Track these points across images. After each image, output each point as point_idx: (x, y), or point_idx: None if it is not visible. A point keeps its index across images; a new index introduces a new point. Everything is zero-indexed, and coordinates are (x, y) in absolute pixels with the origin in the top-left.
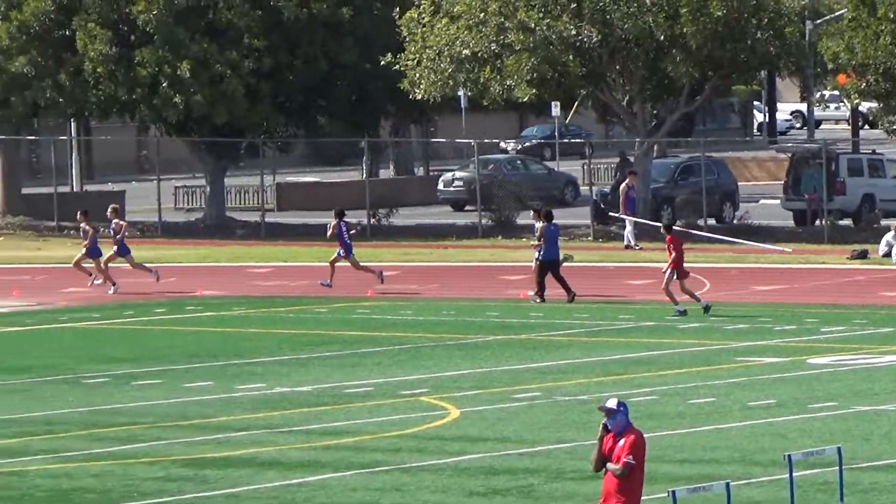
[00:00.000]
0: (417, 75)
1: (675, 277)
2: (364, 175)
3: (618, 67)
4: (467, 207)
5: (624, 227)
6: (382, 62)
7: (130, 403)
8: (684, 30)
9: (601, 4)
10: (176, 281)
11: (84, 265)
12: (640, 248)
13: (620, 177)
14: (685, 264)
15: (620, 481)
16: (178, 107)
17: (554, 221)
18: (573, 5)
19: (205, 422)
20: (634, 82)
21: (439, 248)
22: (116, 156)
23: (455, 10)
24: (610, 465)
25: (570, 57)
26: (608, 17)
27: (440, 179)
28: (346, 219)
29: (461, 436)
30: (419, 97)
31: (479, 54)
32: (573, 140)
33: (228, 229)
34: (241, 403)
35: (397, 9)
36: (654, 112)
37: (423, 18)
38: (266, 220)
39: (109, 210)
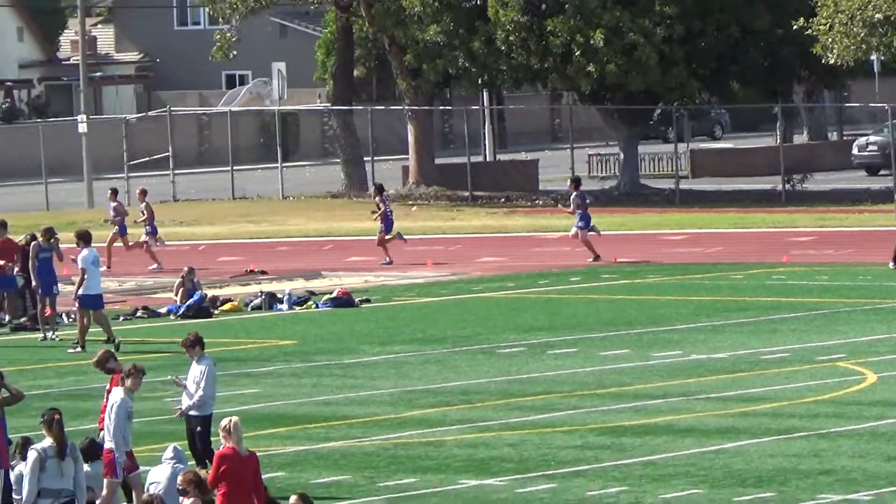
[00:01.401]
0: (830, 40)
1: None
2: (778, 141)
3: None
4: (882, 172)
5: None
6: (795, 27)
7: (547, 372)
8: None
9: None
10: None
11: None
12: None
13: None
14: None
15: None
16: (591, 76)
17: None
18: None
19: (621, 390)
20: None
21: (854, 213)
22: (529, 124)
23: None
24: None
25: None
26: None
27: (854, 144)
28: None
29: (879, 400)
30: (832, 62)
31: (892, 18)
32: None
33: (642, 197)
34: (657, 371)
35: None
36: None
37: None
38: (680, 186)
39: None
